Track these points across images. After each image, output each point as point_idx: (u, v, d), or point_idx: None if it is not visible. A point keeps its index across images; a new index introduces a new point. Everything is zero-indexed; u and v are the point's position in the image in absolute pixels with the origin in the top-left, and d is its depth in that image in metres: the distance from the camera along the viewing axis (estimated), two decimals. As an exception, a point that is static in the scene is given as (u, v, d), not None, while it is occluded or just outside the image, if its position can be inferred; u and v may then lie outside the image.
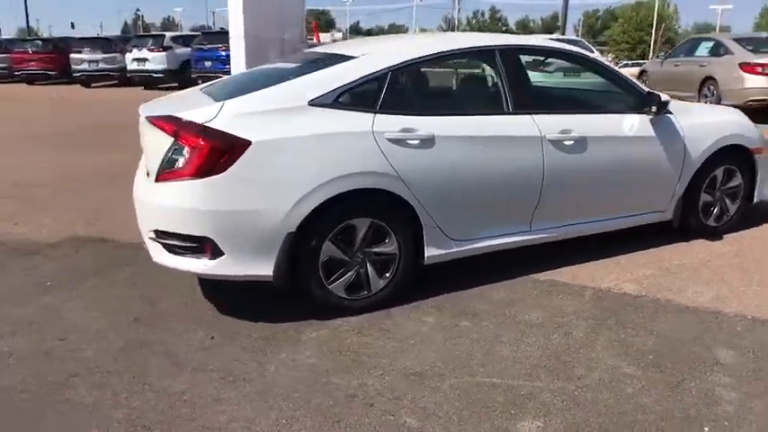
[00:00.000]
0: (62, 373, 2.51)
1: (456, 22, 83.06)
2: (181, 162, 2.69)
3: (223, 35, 15.70)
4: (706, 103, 9.89)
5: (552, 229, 3.45)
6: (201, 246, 2.73)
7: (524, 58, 3.52)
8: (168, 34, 18.80)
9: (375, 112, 2.89)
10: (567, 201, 3.40)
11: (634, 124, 3.52)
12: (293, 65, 3.61)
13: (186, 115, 2.74)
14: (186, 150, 2.67)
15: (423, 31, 73.10)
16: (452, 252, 3.18)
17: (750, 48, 10.10)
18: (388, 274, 3.04)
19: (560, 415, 2.24)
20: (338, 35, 62.32)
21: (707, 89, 10.43)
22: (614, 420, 2.21)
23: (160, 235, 2.80)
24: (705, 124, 3.80)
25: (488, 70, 3.22)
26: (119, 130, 9.03)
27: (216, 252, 2.71)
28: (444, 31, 79.98)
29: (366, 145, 2.83)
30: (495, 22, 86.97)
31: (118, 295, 3.28)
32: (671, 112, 3.62)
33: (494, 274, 3.42)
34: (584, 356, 2.64)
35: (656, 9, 54.29)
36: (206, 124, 2.67)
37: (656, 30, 48.20)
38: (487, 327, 2.90)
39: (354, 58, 3.04)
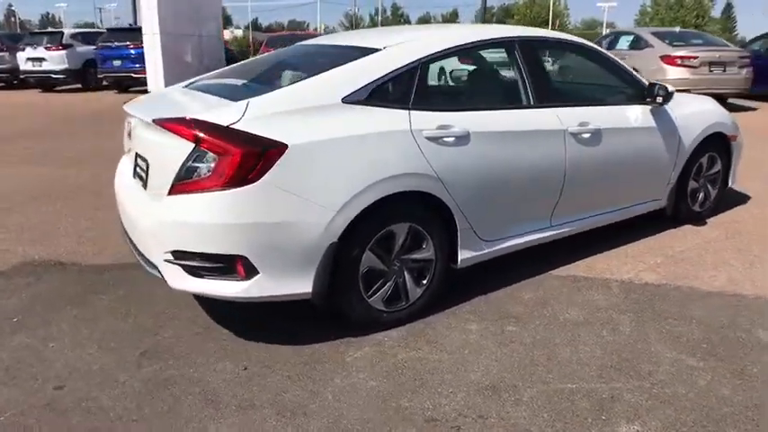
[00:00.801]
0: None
1: (358, 19, 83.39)
2: (204, 171, 2.33)
3: (131, 32, 14.64)
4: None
5: (570, 223, 3.41)
6: (232, 265, 2.39)
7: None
8: (68, 31, 17.14)
9: (409, 109, 2.68)
10: (584, 194, 3.37)
11: (639, 115, 3.56)
12: (299, 58, 3.30)
13: (208, 117, 2.38)
14: (212, 157, 2.32)
15: (326, 28, 72.54)
16: (484, 254, 3.04)
17: (667, 41, 10.81)
18: (424, 282, 2.85)
19: (652, 415, 2.16)
20: (238, 32, 60.36)
21: None
22: (706, 415, 2.17)
23: (180, 256, 2.42)
24: (694, 113, 3.93)
25: (512, 62, 3.11)
26: (28, 139, 8.10)
27: (250, 271, 2.38)
28: (347, 28, 79.92)
29: (406, 145, 2.61)
30: (397, 19, 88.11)
31: (109, 328, 2.83)
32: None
33: (511, 273, 3.33)
34: (643, 351, 2.60)
35: (550, 6, 57.39)
36: (233, 126, 2.34)
37: (551, 26, 50.93)
38: (535, 329, 2.79)
39: (378, 50, 2.80)
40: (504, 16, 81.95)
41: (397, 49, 2.81)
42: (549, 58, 3.63)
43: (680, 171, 3.89)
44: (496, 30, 3.28)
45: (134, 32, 14.12)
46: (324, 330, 2.73)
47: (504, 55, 3.13)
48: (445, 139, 2.71)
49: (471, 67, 3.15)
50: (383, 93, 2.66)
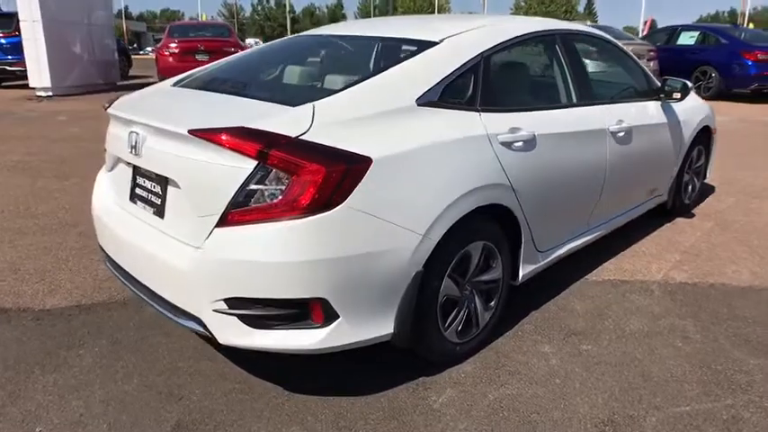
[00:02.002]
0: None
1: (238, 9, 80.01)
2: (271, 195, 1.83)
3: (3, 19, 12.69)
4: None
5: (603, 225, 3.26)
6: (307, 311, 1.91)
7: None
8: None
9: (478, 110, 2.34)
10: (616, 193, 3.23)
11: (655, 111, 3.50)
12: (326, 53, 2.80)
13: (270, 125, 1.87)
14: (281, 178, 1.82)
15: (209, 16, 68.73)
16: (539, 266, 2.78)
17: None
18: (492, 304, 2.53)
19: (785, 436, 2.04)
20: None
21: None
22: (833, 428, 2.08)
23: (238, 305, 1.89)
24: (689, 108, 3.96)
25: (559, 57, 2.86)
26: None
27: (329, 316, 1.92)
28: (227, 18, 76.22)
29: (483, 152, 2.27)
30: (281, 9, 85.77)
31: (111, 395, 2.21)
32: (669, 97, 3.68)
33: (546, 282, 3.12)
34: (728, 360, 2.48)
35: (434, -2, 58.86)
36: (303, 138, 1.86)
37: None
38: (610, 346, 2.58)
39: (436, 42, 2.41)
40: (384, 6, 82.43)
41: (458, 40, 2.44)
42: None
43: (680, 164, 3.91)
44: (541, 22, 3.02)
45: (6, 19, 12.24)
46: (383, 372, 2.33)
47: (552, 49, 2.87)
48: (516, 143, 2.41)
49: (525, 62, 2.87)
50: (453, 92, 2.29)
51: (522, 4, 62.00)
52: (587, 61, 3.05)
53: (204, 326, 1.95)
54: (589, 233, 3.16)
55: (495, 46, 2.50)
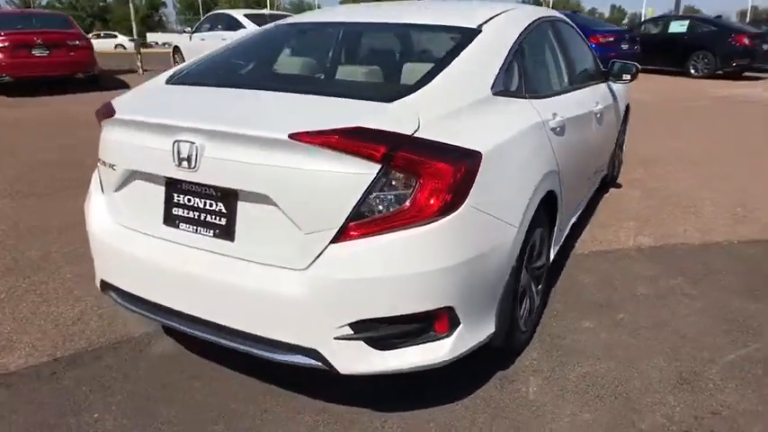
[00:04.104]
0: None
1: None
2: (396, 201, 1.64)
3: None
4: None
5: (585, 200, 3.48)
6: (432, 322, 1.77)
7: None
8: None
9: (526, 97, 2.33)
10: (595, 169, 3.46)
11: (608, 92, 3.78)
12: (357, 43, 2.55)
13: (381, 124, 1.67)
14: (404, 181, 1.64)
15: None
16: (559, 245, 2.89)
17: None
18: (539, 288, 2.57)
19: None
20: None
21: None
22: None
23: (364, 327, 1.69)
24: (621, 88, 4.33)
25: (557, 42, 2.92)
26: None
27: (453, 324, 1.80)
28: (18, 7, 66.48)
29: (543, 139, 2.27)
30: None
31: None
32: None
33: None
34: (733, 309, 2.79)
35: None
36: (418, 136, 1.70)
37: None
38: (638, 313, 2.75)
39: (476, 29, 2.32)
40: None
41: (495, 27, 2.38)
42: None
43: (616, 139, 4.30)
44: (535, 9, 3.08)
45: None
46: (453, 378, 2.22)
47: (560, 33, 2.96)
48: (558, 129, 2.45)
49: (544, 48, 2.88)
50: (508, 80, 2.25)
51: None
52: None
53: (321, 357, 1.71)
54: (579, 208, 3.35)
55: (523, 32, 2.50)
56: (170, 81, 2.30)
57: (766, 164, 5.72)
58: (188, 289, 1.87)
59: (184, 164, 1.77)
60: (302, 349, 1.72)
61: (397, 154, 1.62)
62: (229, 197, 1.79)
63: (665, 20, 16.16)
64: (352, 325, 1.68)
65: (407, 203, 1.64)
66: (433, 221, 1.66)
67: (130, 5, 14.96)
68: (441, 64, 2.06)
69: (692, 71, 14.20)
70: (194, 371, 2.32)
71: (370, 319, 1.68)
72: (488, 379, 2.25)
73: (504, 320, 2.05)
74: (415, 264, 1.67)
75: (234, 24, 11.99)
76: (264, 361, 1.87)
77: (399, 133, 1.66)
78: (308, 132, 1.62)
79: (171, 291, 1.91)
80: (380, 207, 1.64)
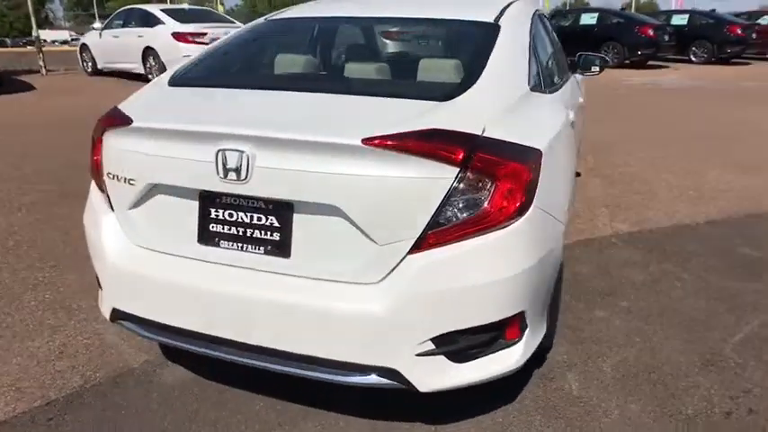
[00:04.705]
0: None
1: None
2: (474, 205, 1.55)
3: None
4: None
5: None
6: (503, 330, 1.70)
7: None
8: None
9: (546, 92, 2.31)
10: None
11: (577, 82, 3.86)
12: (374, 39, 2.40)
13: (456, 125, 1.57)
14: (483, 182, 1.56)
15: None
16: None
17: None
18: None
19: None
20: None
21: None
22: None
23: (445, 341, 1.59)
24: (580, 79, 4.45)
25: (547, 34, 2.91)
26: None
27: (522, 329, 1.74)
28: None
29: (569, 132, 2.27)
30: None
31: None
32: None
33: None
34: (724, 288, 2.93)
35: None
36: (488, 136, 1.62)
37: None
38: (641, 300, 2.85)
39: (494, 24, 2.25)
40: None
41: (508, 20, 2.31)
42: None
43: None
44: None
45: None
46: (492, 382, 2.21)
47: (542, 27, 2.95)
48: (573, 122, 2.46)
49: (544, 40, 2.84)
50: (535, 75, 2.21)
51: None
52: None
53: (399, 376, 1.60)
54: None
55: (531, 25, 2.48)
56: (178, 83, 2.08)
57: (703, 146, 6.15)
58: (232, 313, 1.68)
59: (232, 175, 1.58)
60: (378, 369, 1.60)
61: (475, 155, 1.53)
62: (283, 210, 1.62)
63: (575, 13, 17.04)
64: (434, 339, 1.58)
65: (485, 207, 1.56)
66: (508, 224, 1.59)
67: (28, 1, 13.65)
68: (477, 60, 1.99)
69: (603, 61, 15.11)
70: (216, 398, 2.12)
71: (453, 332, 1.59)
72: (528, 378, 2.22)
73: (554, 319, 2.03)
74: (495, 270, 1.60)
75: (151, 20, 11.32)
76: (287, 380, 1.73)
77: (474, 134, 1.58)
78: (383, 136, 1.49)
79: (209, 316, 1.72)
80: (458, 212, 1.55)
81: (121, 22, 12.35)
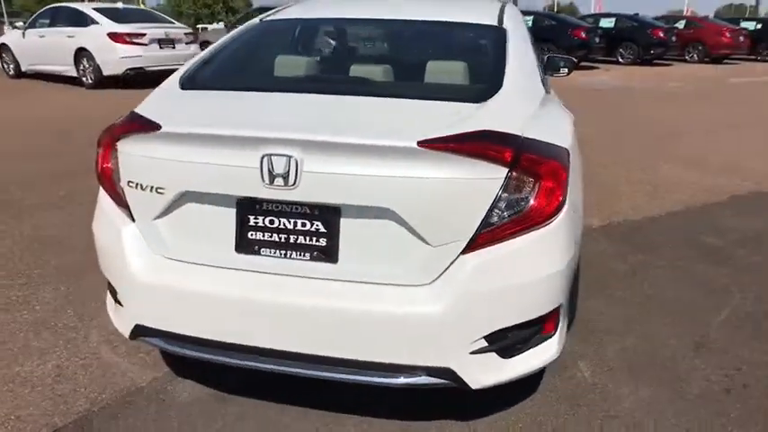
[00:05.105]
0: None
1: None
2: (521, 204, 1.59)
3: None
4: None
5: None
6: (543, 323, 1.76)
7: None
8: None
9: (549, 93, 2.39)
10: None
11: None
12: (381, 42, 2.39)
13: (502, 126, 1.61)
14: (527, 182, 1.60)
15: None
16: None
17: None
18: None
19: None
20: None
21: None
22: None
23: (497, 338, 1.63)
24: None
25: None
26: None
27: (557, 322, 1.80)
28: None
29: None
30: None
31: None
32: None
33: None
34: (701, 274, 3.15)
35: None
36: (529, 137, 1.67)
37: None
38: (631, 289, 3.00)
39: (500, 27, 2.31)
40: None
41: (511, 22, 2.37)
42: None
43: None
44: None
45: None
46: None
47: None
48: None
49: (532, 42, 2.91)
50: (543, 77, 2.30)
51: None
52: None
53: (453, 375, 1.62)
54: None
55: (527, 27, 2.57)
56: (192, 86, 2.02)
57: (651, 143, 6.53)
58: (274, 321, 1.65)
59: (279, 181, 1.55)
60: (431, 369, 1.62)
61: (522, 155, 1.58)
62: (330, 214, 1.61)
63: None
64: (487, 337, 1.62)
65: (530, 205, 1.61)
66: (550, 222, 1.65)
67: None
68: (495, 62, 2.06)
69: (539, 62, 15.83)
70: (239, 410, 2.07)
71: (504, 329, 1.64)
72: (543, 374, 2.29)
73: (574, 310, 2.11)
74: (541, 266, 1.66)
75: (84, 20, 10.64)
76: (308, 386, 1.71)
77: (518, 135, 1.63)
78: (439, 139, 1.51)
79: (248, 326, 1.68)
80: (506, 212, 1.59)
81: (48, 21, 11.53)
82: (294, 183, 1.56)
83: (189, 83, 2.05)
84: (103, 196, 1.90)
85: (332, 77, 2.26)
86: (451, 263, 1.58)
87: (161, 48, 10.47)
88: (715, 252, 3.48)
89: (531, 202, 1.61)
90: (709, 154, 6.01)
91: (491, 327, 1.62)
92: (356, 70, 2.23)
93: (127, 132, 1.75)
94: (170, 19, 12.45)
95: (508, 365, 1.70)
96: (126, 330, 1.86)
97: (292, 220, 1.64)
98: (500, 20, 2.40)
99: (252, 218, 1.66)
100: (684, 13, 34.18)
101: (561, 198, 1.67)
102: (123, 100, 8.70)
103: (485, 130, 1.59)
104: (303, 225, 1.63)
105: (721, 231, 3.81)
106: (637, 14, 19.10)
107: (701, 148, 6.29)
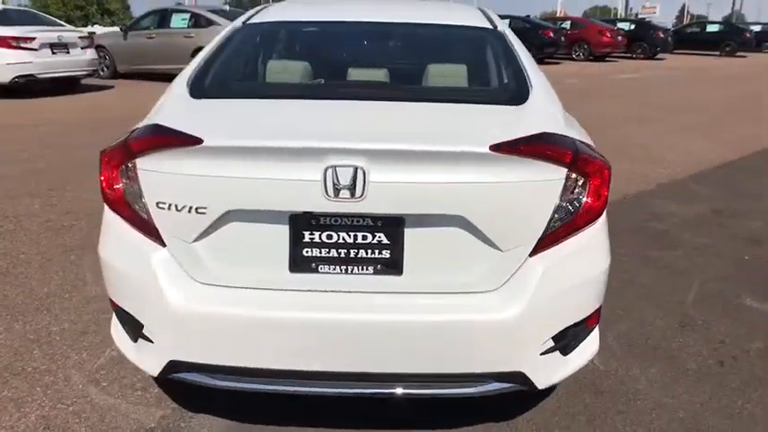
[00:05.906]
0: None
1: None
2: (577, 203, 1.62)
3: None
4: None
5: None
6: (589, 319, 1.82)
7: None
8: None
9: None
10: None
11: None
12: (386, 44, 2.34)
13: (557, 128, 1.65)
14: (580, 181, 1.62)
15: None
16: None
17: None
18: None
19: None
20: None
21: None
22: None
23: (561, 337, 1.66)
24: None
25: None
26: None
27: (599, 316, 1.88)
28: None
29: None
30: None
31: None
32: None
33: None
34: (674, 260, 3.42)
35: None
36: (575, 137, 1.72)
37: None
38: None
39: (498, 30, 2.36)
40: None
41: (504, 27, 2.44)
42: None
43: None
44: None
45: None
46: None
47: None
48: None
49: None
50: None
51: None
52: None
53: (523, 378, 1.62)
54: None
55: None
56: (206, 95, 1.87)
57: (630, 132, 6.94)
58: (340, 341, 1.56)
59: (344, 193, 1.47)
60: (502, 375, 1.61)
61: (580, 156, 1.62)
62: (394, 225, 1.55)
63: None
64: (554, 337, 1.65)
65: (585, 205, 1.64)
66: (597, 221, 1.71)
67: None
68: (513, 64, 2.11)
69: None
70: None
71: (567, 328, 1.67)
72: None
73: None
74: (595, 262, 1.72)
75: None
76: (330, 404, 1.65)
77: (571, 136, 1.67)
78: (509, 142, 1.51)
79: (310, 349, 1.57)
80: (566, 212, 1.62)
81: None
82: (362, 194, 1.48)
83: (200, 92, 1.88)
84: (115, 221, 1.70)
85: (369, 82, 2.18)
86: (519, 266, 1.59)
87: (53, 53, 9.57)
88: (662, 236, 3.78)
89: (586, 201, 1.65)
90: (628, 147, 6.49)
91: (558, 326, 1.65)
92: (380, 75, 2.17)
93: (152, 148, 1.57)
94: (60, 22, 11.38)
95: (568, 362, 1.74)
96: (155, 368, 1.68)
97: (353, 233, 1.56)
98: (492, 23, 2.45)
99: (307, 234, 1.56)
100: (558, 14, 37.02)
101: (606, 197, 1.73)
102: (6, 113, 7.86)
103: (544, 133, 1.61)
104: (364, 238, 1.56)
105: (661, 218, 4.15)
106: (528, 16, 20.40)
107: (621, 140, 6.78)
